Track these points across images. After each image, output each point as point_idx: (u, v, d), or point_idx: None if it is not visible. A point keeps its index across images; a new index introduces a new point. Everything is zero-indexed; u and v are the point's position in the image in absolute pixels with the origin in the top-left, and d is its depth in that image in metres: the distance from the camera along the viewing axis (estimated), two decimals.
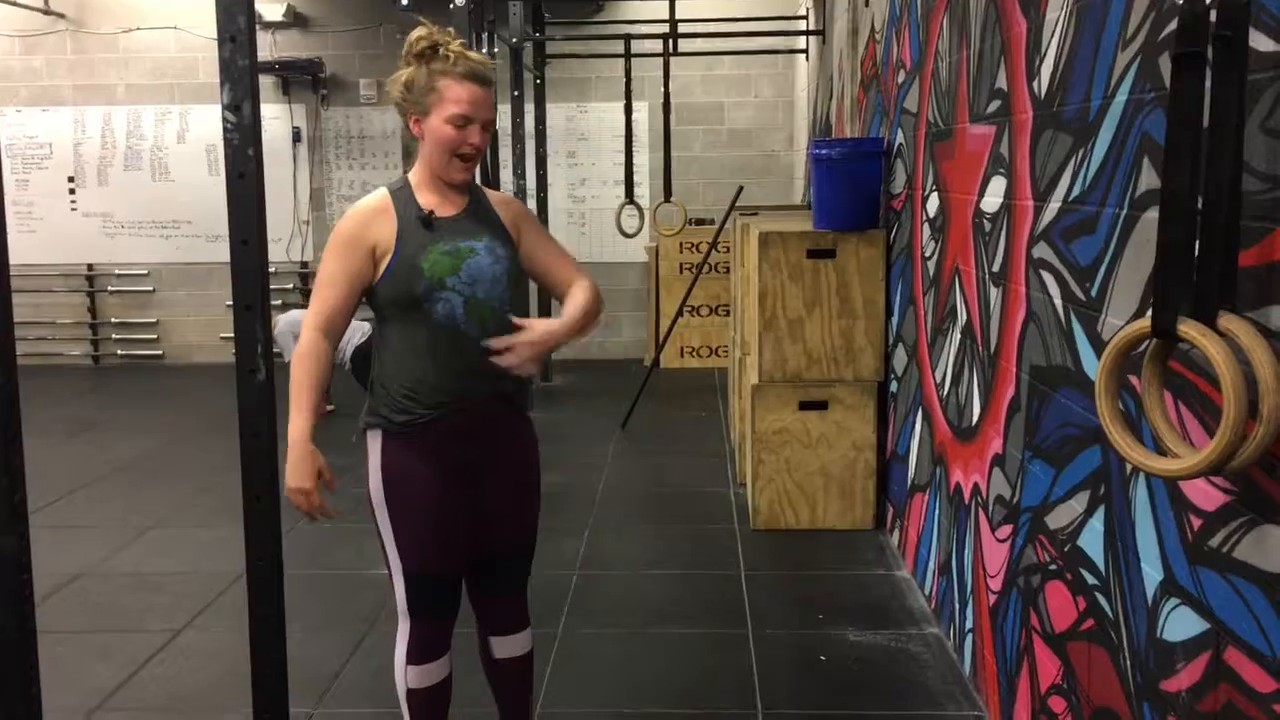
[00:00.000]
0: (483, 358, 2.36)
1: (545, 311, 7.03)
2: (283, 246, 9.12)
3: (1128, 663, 2.15)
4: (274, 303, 8.17)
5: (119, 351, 9.44)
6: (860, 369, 4.62)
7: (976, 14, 3.27)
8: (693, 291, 7.14)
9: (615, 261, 9.06)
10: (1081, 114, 2.38)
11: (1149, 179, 2.04)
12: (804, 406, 4.66)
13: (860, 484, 4.69)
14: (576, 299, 2.52)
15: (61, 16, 9.08)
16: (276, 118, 9.07)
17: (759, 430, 4.70)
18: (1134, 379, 2.02)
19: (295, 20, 9.03)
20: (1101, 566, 2.28)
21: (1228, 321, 1.57)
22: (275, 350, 3.93)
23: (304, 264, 9.27)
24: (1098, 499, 2.30)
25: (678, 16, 7.29)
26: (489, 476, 2.49)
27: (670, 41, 7.23)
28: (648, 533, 4.86)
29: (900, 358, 4.40)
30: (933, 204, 3.82)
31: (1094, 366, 2.29)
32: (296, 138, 9.17)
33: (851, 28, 5.87)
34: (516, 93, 7.61)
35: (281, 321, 6.88)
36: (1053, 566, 2.57)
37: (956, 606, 3.45)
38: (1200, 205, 1.61)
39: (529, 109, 7.95)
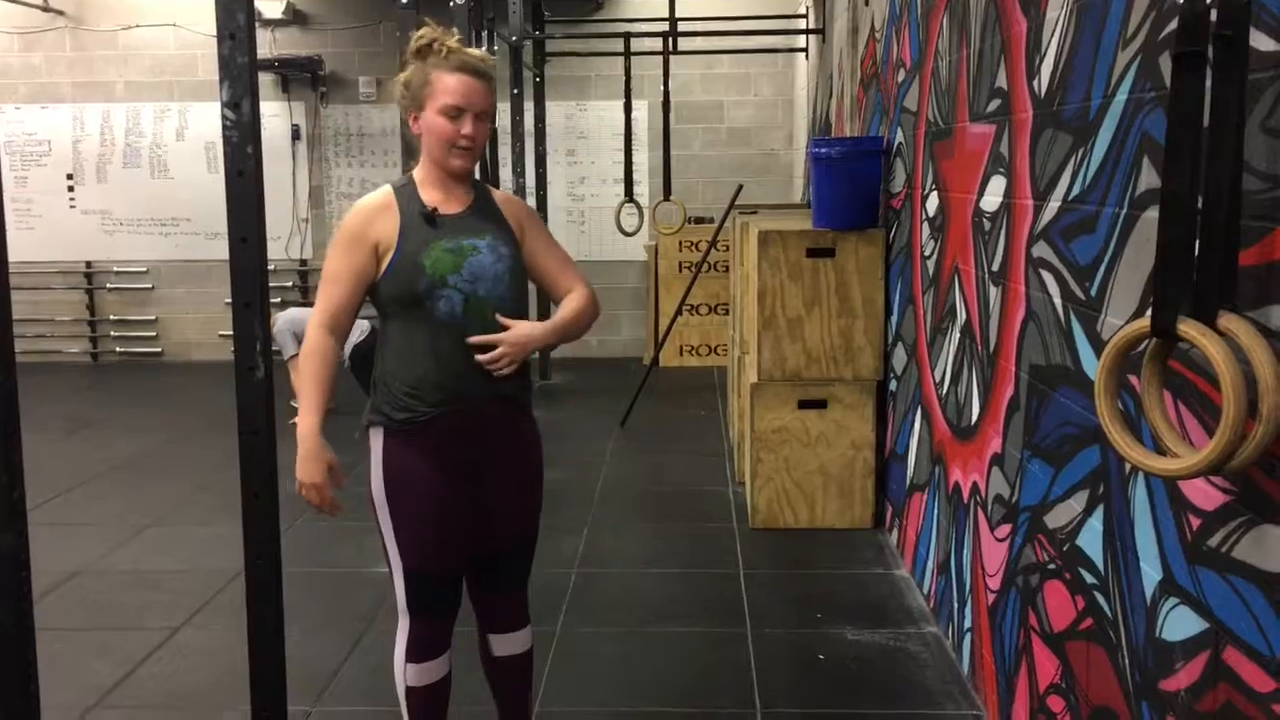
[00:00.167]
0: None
1: (544, 312, 7.02)
2: (282, 244, 9.12)
3: (1126, 662, 2.15)
4: (273, 300, 8.14)
5: (118, 349, 9.44)
6: (859, 368, 4.62)
7: (976, 13, 3.27)
8: (692, 290, 7.14)
9: (614, 260, 9.06)
10: (1081, 113, 2.38)
11: (1149, 178, 2.04)
12: (803, 405, 4.66)
13: (859, 483, 4.70)
14: (567, 306, 2.55)
15: (60, 13, 9.06)
16: (276, 115, 9.06)
17: (758, 429, 4.69)
18: (1133, 378, 2.02)
19: (295, 18, 9.02)
20: (1100, 566, 2.28)
21: (1227, 321, 1.57)
22: (274, 348, 3.92)
23: (303, 262, 9.27)
24: (1097, 498, 2.30)
25: (677, 15, 7.30)
26: (491, 474, 2.50)
27: (670, 40, 7.23)
28: (646, 531, 4.86)
29: (899, 357, 4.40)
30: (932, 203, 3.82)
31: (1093, 366, 2.29)
32: (296, 135, 9.17)
33: (851, 26, 5.87)
34: (516, 91, 7.61)
35: (280, 319, 6.85)
36: (1051, 566, 2.57)
37: (955, 606, 3.45)
38: (1200, 205, 1.61)
39: (528, 107, 7.96)
